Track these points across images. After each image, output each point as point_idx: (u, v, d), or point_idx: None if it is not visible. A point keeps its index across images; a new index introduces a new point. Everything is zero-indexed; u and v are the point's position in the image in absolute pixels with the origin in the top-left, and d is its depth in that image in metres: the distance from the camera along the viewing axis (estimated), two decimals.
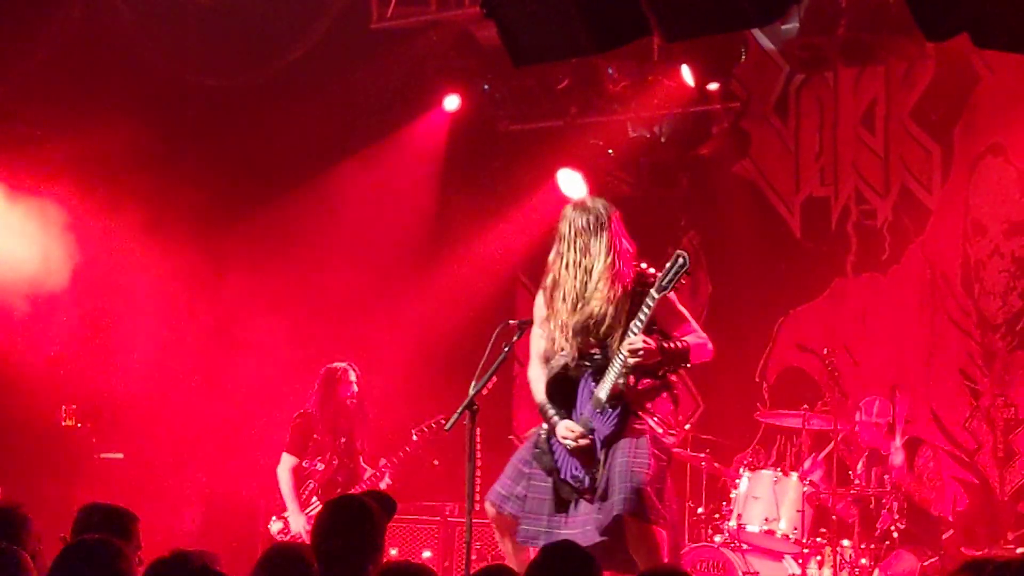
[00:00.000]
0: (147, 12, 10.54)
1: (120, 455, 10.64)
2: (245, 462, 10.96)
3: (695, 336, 6.67)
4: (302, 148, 11.16)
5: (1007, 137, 10.11)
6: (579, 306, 6.58)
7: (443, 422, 8.22)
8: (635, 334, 6.38)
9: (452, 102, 11.15)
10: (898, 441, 9.16)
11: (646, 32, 5.44)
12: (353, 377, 9.52)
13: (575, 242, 6.61)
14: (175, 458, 10.74)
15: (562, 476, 6.62)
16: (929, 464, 9.25)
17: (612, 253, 6.57)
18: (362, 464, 9.53)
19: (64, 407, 10.56)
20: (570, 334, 6.60)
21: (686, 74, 10.23)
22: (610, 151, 10.79)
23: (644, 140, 10.87)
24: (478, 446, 7.07)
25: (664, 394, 6.66)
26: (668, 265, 6.38)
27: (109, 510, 5.37)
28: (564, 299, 6.62)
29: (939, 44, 9.32)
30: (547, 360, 6.74)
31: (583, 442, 6.53)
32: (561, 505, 6.62)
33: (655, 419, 6.60)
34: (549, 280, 6.72)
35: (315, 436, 9.44)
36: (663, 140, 10.83)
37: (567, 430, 6.59)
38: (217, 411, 10.89)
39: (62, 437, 10.53)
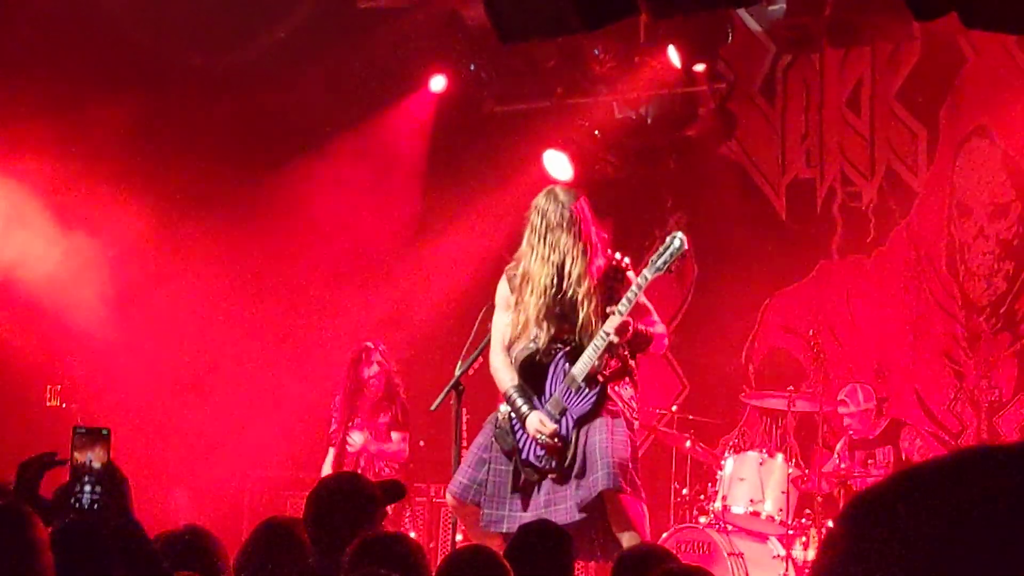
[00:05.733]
0: None
1: None
2: (232, 443, 10.95)
3: (659, 327, 6.70)
4: (287, 127, 11.11)
5: (993, 119, 10.12)
6: (552, 299, 6.51)
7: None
8: (621, 314, 6.36)
9: (438, 82, 11.10)
10: None
11: (634, 10, 5.41)
12: (376, 357, 9.47)
13: (546, 236, 6.55)
14: (161, 439, 10.71)
15: (524, 457, 6.58)
16: (916, 442, 9.29)
17: (584, 248, 6.53)
18: (383, 445, 9.47)
19: (50, 387, 10.53)
20: (543, 324, 6.54)
21: (672, 55, 10.20)
22: (596, 132, 10.76)
23: (630, 121, 10.84)
24: (464, 427, 7.06)
25: (625, 378, 6.67)
26: (663, 247, 6.35)
27: None
28: (534, 292, 6.56)
29: (925, 25, 9.31)
30: (508, 348, 6.68)
31: (553, 442, 6.47)
32: (521, 488, 6.58)
33: (624, 401, 6.60)
34: (520, 270, 6.64)
35: (333, 414, 9.52)
36: (649, 121, 10.80)
37: (541, 424, 6.51)
38: (205, 392, 10.87)
39: (48, 417, 10.50)
